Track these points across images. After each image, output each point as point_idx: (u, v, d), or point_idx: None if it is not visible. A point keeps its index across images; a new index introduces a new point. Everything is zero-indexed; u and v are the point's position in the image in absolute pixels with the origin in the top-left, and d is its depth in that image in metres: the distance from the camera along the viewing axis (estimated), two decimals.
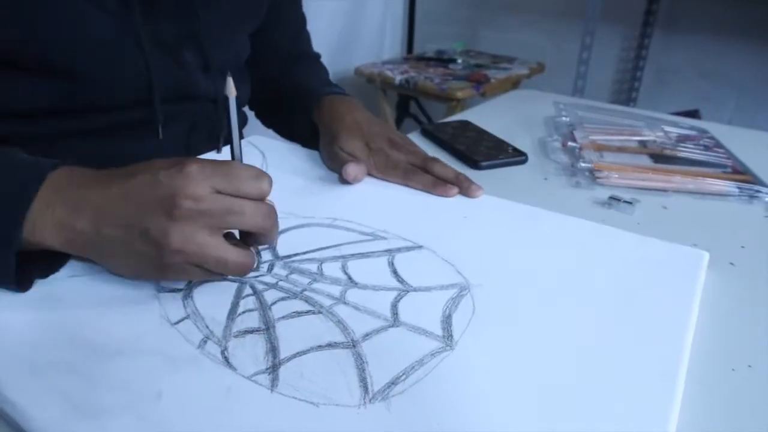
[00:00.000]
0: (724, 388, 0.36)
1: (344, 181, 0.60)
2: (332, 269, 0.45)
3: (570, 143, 0.73)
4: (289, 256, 0.47)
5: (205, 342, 0.37)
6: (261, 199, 0.40)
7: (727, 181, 0.64)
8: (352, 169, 0.59)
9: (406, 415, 0.32)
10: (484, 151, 0.70)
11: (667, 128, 0.80)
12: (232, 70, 0.64)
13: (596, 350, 0.38)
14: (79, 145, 0.57)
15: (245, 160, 0.61)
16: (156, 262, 0.38)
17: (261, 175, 0.40)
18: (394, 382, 0.34)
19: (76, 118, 0.56)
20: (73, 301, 0.40)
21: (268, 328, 0.39)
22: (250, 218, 0.39)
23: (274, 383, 0.34)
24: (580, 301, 0.42)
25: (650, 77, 2.11)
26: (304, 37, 0.84)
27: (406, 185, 0.60)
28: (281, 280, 0.44)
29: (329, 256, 0.47)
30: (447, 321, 0.40)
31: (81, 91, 0.55)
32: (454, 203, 0.57)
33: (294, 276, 0.44)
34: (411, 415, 0.32)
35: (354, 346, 0.37)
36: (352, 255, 0.47)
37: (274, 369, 0.35)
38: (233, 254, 0.39)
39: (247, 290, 0.43)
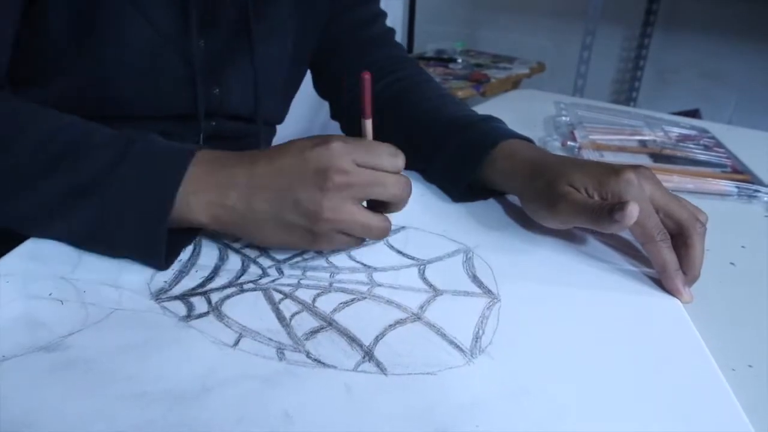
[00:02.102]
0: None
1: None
2: (341, 260, 0.46)
3: (569, 143, 0.74)
4: (289, 258, 0.46)
5: (282, 353, 0.35)
6: (397, 172, 0.43)
7: (727, 181, 0.64)
8: (633, 208, 0.41)
9: (508, 360, 0.35)
10: None
11: (668, 128, 0.80)
12: (277, 90, 0.67)
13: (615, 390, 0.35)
14: None
15: None
16: (306, 231, 0.42)
17: (397, 152, 0.43)
18: (477, 337, 0.37)
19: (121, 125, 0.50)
20: (101, 361, 0.34)
21: (330, 323, 0.38)
22: (390, 188, 0.43)
23: (380, 367, 0.34)
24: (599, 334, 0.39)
25: (650, 77, 2.10)
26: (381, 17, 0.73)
27: (643, 249, 0.46)
28: (300, 279, 0.43)
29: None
30: (476, 280, 0.44)
31: (127, 103, 0.56)
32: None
33: (310, 273, 0.44)
34: (511, 360, 0.35)
35: (419, 318, 0.39)
36: None
37: (370, 355, 0.35)
38: (376, 220, 0.43)
39: (277, 296, 0.41)
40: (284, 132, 0.75)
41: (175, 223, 0.42)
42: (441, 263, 0.46)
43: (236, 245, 0.47)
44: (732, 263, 0.50)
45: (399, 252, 0.47)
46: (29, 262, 0.43)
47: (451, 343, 0.37)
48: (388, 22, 0.75)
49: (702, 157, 0.72)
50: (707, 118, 1.66)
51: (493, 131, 0.56)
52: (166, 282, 0.42)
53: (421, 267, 0.45)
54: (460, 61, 2.13)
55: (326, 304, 0.40)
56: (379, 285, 0.42)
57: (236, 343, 0.36)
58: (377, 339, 0.37)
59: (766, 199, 0.62)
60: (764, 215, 0.60)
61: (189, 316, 0.38)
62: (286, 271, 0.44)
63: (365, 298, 0.41)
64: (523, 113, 0.89)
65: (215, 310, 0.39)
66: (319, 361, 0.35)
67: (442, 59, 2.16)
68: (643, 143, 0.77)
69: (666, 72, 2.08)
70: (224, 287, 0.42)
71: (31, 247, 0.45)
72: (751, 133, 0.86)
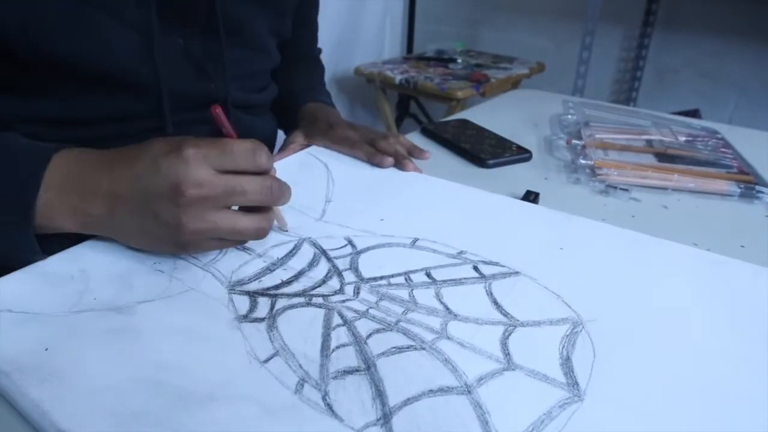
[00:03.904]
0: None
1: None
2: (425, 297, 0.41)
3: (574, 141, 0.73)
4: (374, 279, 0.43)
5: (302, 385, 0.33)
6: (261, 172, 0.41)
7: (729, 181, 0.64)
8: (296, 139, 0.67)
9: None
10: (489, 150, 0.70)
11: (676, 128, 0.80)
12: (259, 75, 0.69)
13: (743, 395, 0.33)
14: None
15: (309, 170, 0.57)
16: (173, 242, 0.40)
17: (257, 148, 0.40)
18: None
19: (90, 126, 0.55)
20: (151, 334, 0.36)
21: (369, 367, 0.34)
22: (252, 195, 0.40)
23: None
24: (708, 337, 0.38)
25: (650, 77, 2.10)
26: (315, 39, 0.85)
27: (351, 155, 0.65)
28: (371, 307, 0.40)
29: (419, 282, 0.43)
30: (567, 364, 0.35)
31: (93, 99, 0.54)
32: (541, 221, 0.52)
33: (384, 303, 0.40)
34: None
35: (470, 392, 0.33)
36: (444, 281, 0.43)
37: (386, 420, 0.31)
38: (245, 222, 0.41)
39: (337, 319, 0.38)
40: None
41: (42, 227, 0.41)
42: (536, 330, 0.38)
43: (332, 253, 0.46)
44: None
45: (494, 302, 0.41)
46: None
47: None
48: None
49: (708, 158, 0.71)
50: (707, 117, 1.60)
51: (303, 98, 0.77)
52: (248, 275, 0.43)
53: (509, 329, 0.38)
54: (459, 61, 2.10)
55: (379, 343, 0.36)
56: (449, 338, 0.37)
57: (267, 360, 0.35)
58: (406, 402, 0.32)
59: (767, 199, 0.62)
60: (765, 215, 0.59)
61: (246, 316, 0.38)
62: (363, 293, 0.41)
63: (423, 349, 0.36)
64: (529, 112, 0.88)
65: (271, 318, 0.38)
66: (330, 408, 0.31)
67: (442, 59, 2.12)
68: (649, 143, 0.75)
69: (666, 72, 2.06)
70: (295, 295, 0.41)
71: None
72: (758, 134, 0.84)
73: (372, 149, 0.64)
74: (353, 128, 0.68)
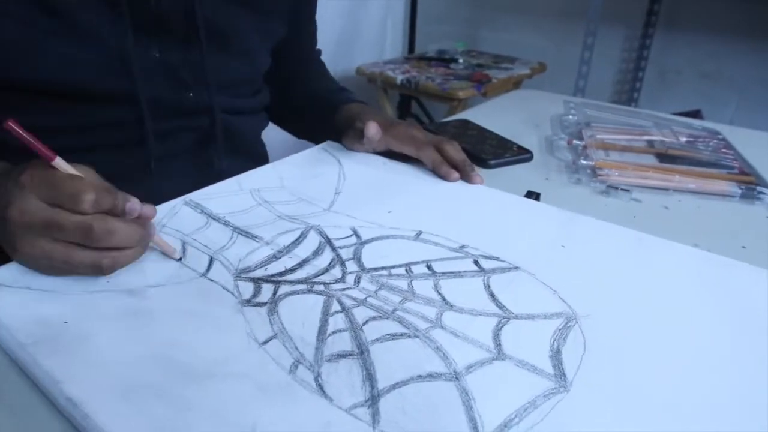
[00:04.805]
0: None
1: (363, 147, 0.64)
2: (424, 288, 0.42)
3: (575, 141, 0.73)
4: (375, 269, 0.44)
5: (296, 366, 0.34)
6: (82, 213, 0.39)
7: (730, 182, 0.64)
8: (373, 125, 0.61)
9: None
10: (491, 150, 0.70)
11: (677, 129, 0.80)
12: (246, 81, 0.68)
13: (731, 396, 0.33)
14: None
15: (321, 164, 0.59)
16: (17, 260, 0.41)
17: (82, 190, 0.39)
18: (506, 425, 0.31)
19: (72, 136, 0.56)
20: (160, 315, 0.38)
21: (362, 352, 0.36)
22: (69, 233, 0.39)
23: (375, 419, 0.31)
24: (702, 337, 0.38)
25: (652, 77, 2.09)
26: (315, 43, 0.84)
27: (418, 157, 0.63)
28: (370, 296, 0.41)
29: (419, 273, 0.44)
30: (557, 357, 0.36)
31: (73, 112, 0.56)
32: (546, 219, 0.53)
33: (383, 292, 0.41)
34: None
35: (457, 378, 0.34)
36: (444, 273, 0.44)
37: (373, 402, 0.32)
38: (79, 257, 0.39)
39: (335, 306, 0.40)
40: None
41: None
42: (529, 323, 0.39)
43: (337, 242, 0.47)
44: None
45: (491, 295, 0.42)
46: (170, 219, 0.50)
47: (471, 420, 0.31)
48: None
49: (709, 159, 0.70)
50: (708, 118, 1.62)
51: (338, 100, 0.74)
52: (254, 263, 0.44)
53: (502, 321, 0.39)
54: (461, 61, 2.10)
55: (374, 330, 0.38)
56: (443, 327, 0.38)
57: (266, 342, 0.36)
58: (395, 386, 0.33)
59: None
60: (766, 216, 0.59)
61: (249, 301, 0.40)
62: (364, 282, 0.43)
63: (416, 337, 0.37)
64: (530, 112, 0.89)
65: (272, 303, 0.40)
66: (321, 388, 0.33)
67: (444, 59, 2.12)
68: (650, 144, 0.75)
69: (667, 72, 2.06)
70: (297, 282, 0.42)
71: (171, 206, 0.52)
72: (759, 134, 0.84)
73: (438, 157, 0.61)
74: (416, 127, 0.66)
